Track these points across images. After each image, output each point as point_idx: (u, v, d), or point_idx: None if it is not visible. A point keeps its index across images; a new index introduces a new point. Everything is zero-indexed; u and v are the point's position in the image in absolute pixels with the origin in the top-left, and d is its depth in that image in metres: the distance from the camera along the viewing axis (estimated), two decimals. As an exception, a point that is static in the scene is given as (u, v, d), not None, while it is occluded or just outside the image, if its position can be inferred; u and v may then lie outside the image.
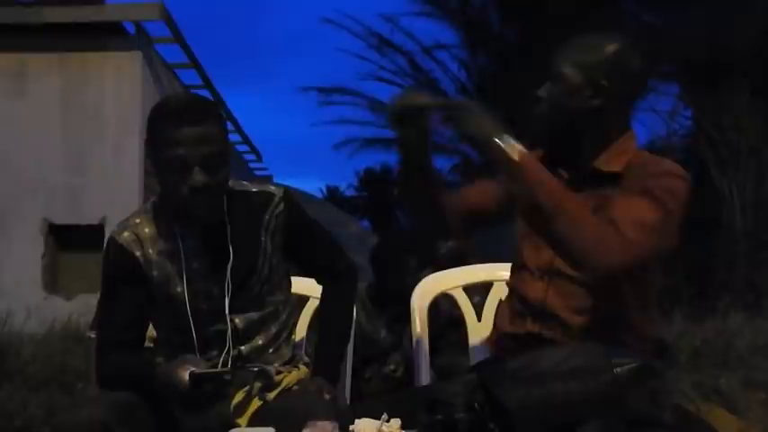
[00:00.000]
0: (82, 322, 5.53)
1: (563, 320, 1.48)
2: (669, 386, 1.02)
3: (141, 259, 1.72)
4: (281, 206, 1.80)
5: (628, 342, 1.46)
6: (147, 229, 1.74)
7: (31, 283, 7.78)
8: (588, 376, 1.00)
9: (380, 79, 14.74)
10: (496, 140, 1.37)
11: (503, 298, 1.80)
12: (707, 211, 9.34)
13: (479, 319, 2.03)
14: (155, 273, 1.72)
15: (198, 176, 1.60)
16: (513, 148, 1.37)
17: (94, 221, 7.93)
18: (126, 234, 1.74)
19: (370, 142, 15.64)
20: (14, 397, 3.63)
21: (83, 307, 6.48)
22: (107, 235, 7.01)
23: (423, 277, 3.24)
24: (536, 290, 1.58)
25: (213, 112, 1.69)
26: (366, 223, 32.54)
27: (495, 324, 1.69)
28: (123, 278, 1.73)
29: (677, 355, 4.22)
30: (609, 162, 1.57)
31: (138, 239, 1.73)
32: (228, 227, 1.74)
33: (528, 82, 1.73)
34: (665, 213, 1.42)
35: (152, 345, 1.88)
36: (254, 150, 13.30)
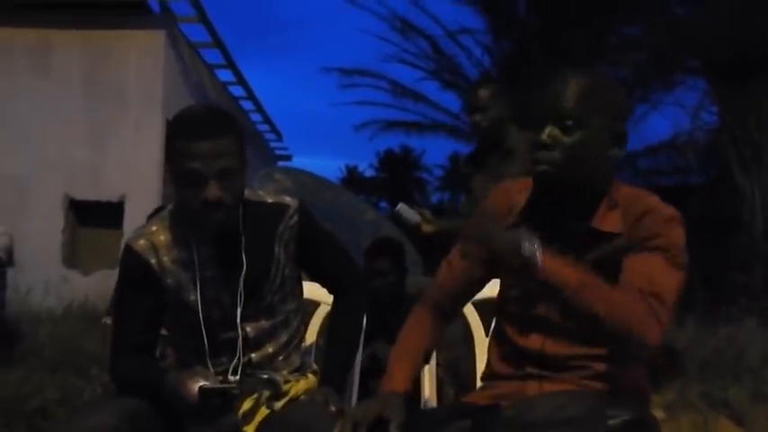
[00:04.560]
0: (98, 304, 5.61)
1: (563, 365, 1.47)
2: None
3: (156, 266, 1.75)
4: (296, 218, 1.82)
5: (628, 379, 1.48)
6: (162, 237, 1.77)
7: (50, 257, 7.89)
8: (582, 427, 1.02)
9: (403, 62, 14.68)
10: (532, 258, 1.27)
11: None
12: (727, 210, 9.26)
13: (487, 335, 2.05)
14: (169, 280, 1.76)
15: (213, 190, 1.63)
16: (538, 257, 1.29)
17: (114, 198, 8.01)
18: (142, 242, 1.77)
19: (391, 125, 15.61)
20: (30, 378, 3.70)
21: (100, 283, 6.59)
22: (126, 212, 7.10)
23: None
24: (533, 341, 1.55)
25: (230, 125, 1.70)
26: (384, 204, 32.59)
27: (489, 362, 1.69)
28: (138, 284, 1.77)
29: (687, 363, 4.22)
30: (607, 221, 1.49)
31: (154, 247, 1.76)
32: (242, 237, 1.77)
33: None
34: (682, 272, 1.43)
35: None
36: (274, 130, 13.33)
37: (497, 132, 3.24)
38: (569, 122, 1.45)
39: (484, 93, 3.22)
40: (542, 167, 1.46)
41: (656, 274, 1.39)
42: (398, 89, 14.47)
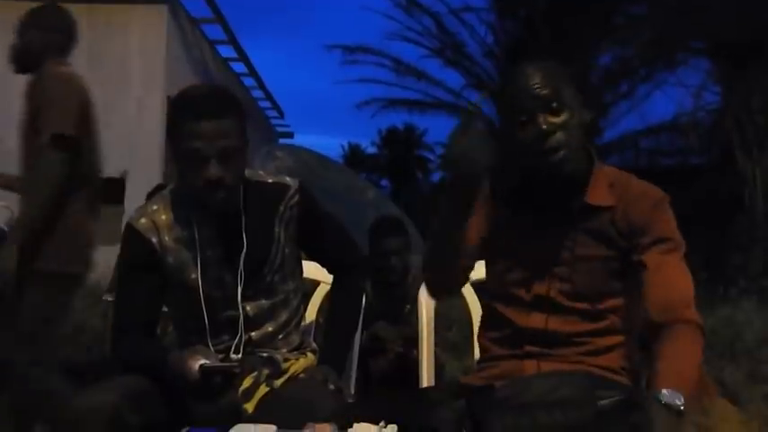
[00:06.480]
0: (100, 280, 5.61)
1: (565, 341, 1.50)
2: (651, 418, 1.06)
3: (157, 246, 1.77)
4: (296, 198, 1.84)
5: (625, 354, 1.51)
6: (163, 216, 1.79)
7: (52, 233, 7.88)
8: (573, 407, 1.04)
9: (406, 39, 14.63)
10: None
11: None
12: (728, 191, 9.26)
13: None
14: (170, 259, 1.77)
15: (214, 170, 1.65)
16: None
17: (115, 175, 7.99)
18: (143, 221, 1.79)
19: (393, 103, 15.58)
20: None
21: (101, 259, 6.60)
22: (127, 188, 7.08)
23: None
24: (535, 320, 1.56)
25: (232, 105, 1.72)
26: (386, 183, 32.58)
27: (484, 347, 1.70)
28: (139, 263, 1.78)
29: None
30: (600, 195, 1.56)
31: (155, 226, 1.78)
32: (243, 216, 1.78)
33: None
34: (683, 248, 1.51)
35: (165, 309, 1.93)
36: (276, 107, 13.30)
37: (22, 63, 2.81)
38: (554, 104, 1.49)
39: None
40: (560, 153, 1.49)
41: (679, 282, 1.47)
42: (401, 67, 14.45)
